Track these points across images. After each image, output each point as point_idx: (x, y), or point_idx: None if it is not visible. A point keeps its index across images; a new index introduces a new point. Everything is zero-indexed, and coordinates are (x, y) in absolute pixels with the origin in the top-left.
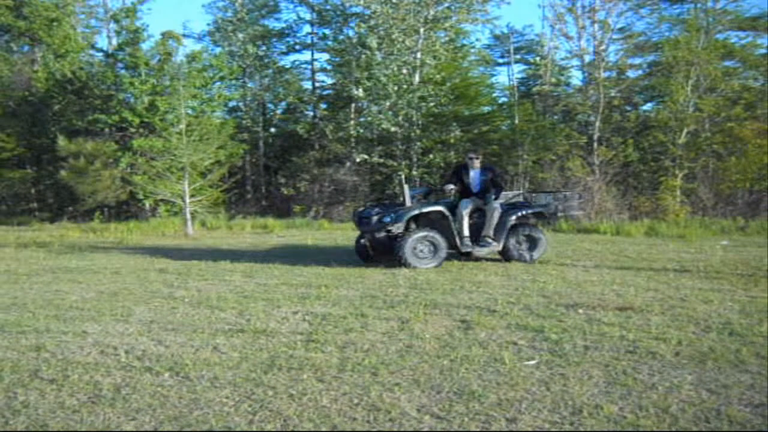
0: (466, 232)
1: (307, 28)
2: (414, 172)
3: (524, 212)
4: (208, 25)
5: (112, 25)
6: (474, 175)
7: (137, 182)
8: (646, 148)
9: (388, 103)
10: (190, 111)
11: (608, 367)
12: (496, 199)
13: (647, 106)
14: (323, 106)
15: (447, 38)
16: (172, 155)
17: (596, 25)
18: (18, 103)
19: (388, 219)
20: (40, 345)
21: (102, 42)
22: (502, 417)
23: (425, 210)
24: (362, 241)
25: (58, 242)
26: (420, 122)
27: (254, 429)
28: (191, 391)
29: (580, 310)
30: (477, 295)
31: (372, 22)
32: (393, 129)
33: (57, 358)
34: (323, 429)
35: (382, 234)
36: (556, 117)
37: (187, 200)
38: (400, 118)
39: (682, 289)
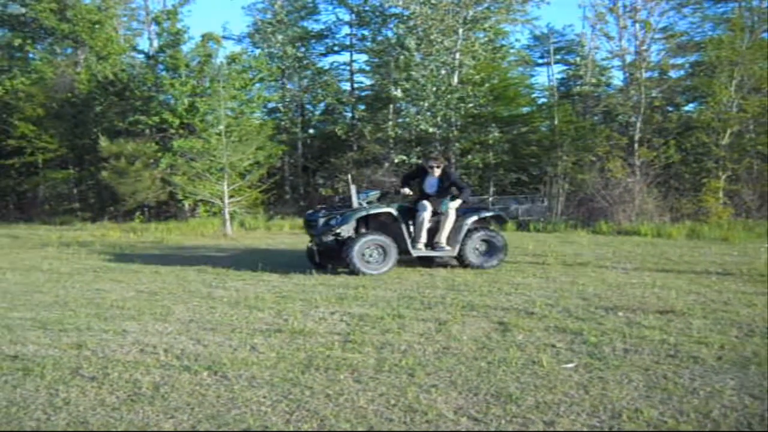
0: (423, 236)
1: (345, 30)
2: None
3: (481, 216)
4: (248, 27)
5: (153, 28)
6: (432, 181)
7: (177, 183)
8: (688, 150)
9: (426, 104)
10: (229, 112)
11: (648, 371)
12: (464, 200)
13: (689, 107)
14: (361, 107)
15: (486, 39)
16: (211, 156)
17: (638, 25)
18: (61, 105)
19: (334, 222)
20: (81, 343)
21: (143, 44)
22: (539, 420)
23: (373, 212)
24: (309, 244)
25: (99, 242)
26: (458, 123)
27: (291, 428)
28: (229, 390)
29: (620, 313)
30: (515, 297)
31: (411, 23)
32: (431, 130)
33: (98, 356)
34: (360, 429)
35: (330, 238)
36: (596, 118)
37: (226, 201)
38: (438, 119)
39: (725, 293)
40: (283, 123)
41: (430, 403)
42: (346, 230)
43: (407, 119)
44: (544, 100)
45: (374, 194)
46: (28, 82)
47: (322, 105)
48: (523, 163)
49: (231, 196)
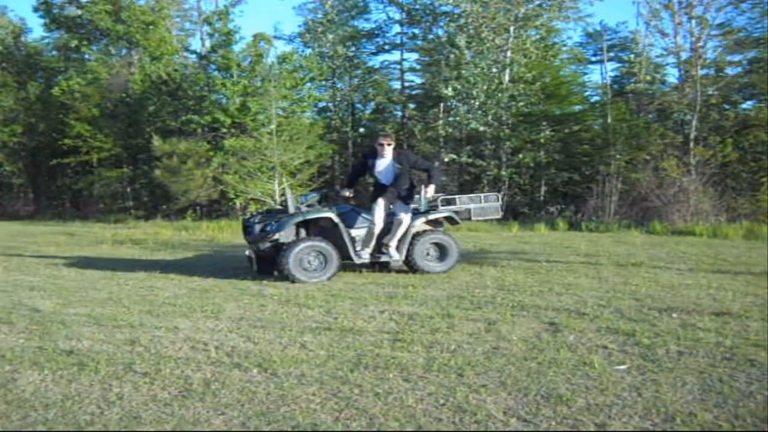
0: (372, 243)
1: (396, 28)
2: (503, 172)
3: (430, 217)
4: (299, 26)
5: (206, 28)
6: (384, 164)
7: (228, 181)
8: (746, 148)
9: (477, 103)
10: (280, 111)
11: (703, 373)
12: (436, 183)
13: (747, 105)
14: (412, 105)
15: (538, 36)
16: (262, 155)
17: (693, 21)
18: (115, 105)
19: (270, 228)
20: (134, 339)
21: (196, 44)
22: (590, 422)
23: (311, 217)
24: (247, 252)
25: (152, 239)
26: (509, 122)
27: (340, 426)
28: (279, 388)
29: (674, 315)
30: (566, 298)
31: (461, 21)
32: (482, 128)
33: (150, 352)
34: (408, 429)
35: (267, 245)
36: (650, 116)
37: (277, 199)
38: (489, 117)
39: None
40: (333, 122)
41: (479, 403)
42: (285, 236)
43: (458, 118)
44: (597, 98)
45: (314, 197)
46: (83, 82)
47: (372, 104)
48: (575, 162)
49: (282, 195)
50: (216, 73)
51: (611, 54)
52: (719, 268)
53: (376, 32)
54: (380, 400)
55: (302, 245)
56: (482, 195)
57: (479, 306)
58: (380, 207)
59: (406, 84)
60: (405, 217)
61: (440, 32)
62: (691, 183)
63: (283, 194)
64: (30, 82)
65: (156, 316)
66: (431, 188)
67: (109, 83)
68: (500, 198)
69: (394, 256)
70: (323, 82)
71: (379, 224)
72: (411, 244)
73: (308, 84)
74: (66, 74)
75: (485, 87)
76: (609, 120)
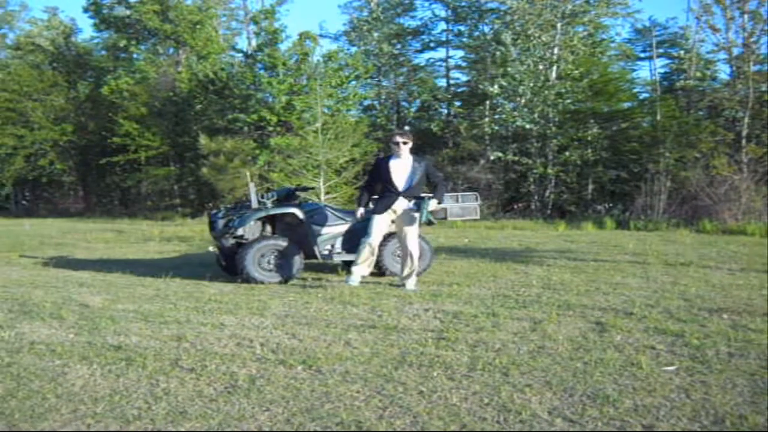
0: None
1: (442, 26)
2: (549, 170)
3: None
4: (344, 25)
5: (252, 27)
6: (401, 166)
7: (274, 179)
8: None
9: (523, 100)
10: (326, 110)
11: (754, 376)
12: (439, 199)
13: None
14: (457, 103)
15: (585, 33)
16: (308, 153)
17: (746, 16)
18: (163, 104)
19: (232, 224)
20: (180, 335)
21: (242, 43)
22: (638, 423)
23: (273, 213)
24: (211, 248)
25: (199, 237)
26: (556, 119)
27: (384, 424)
28: (323, 385)
29: (725, 315)
30: (613, 297)
31: (508, 18)
32: (528, 126)
33: (196, 348)
34: (453, 428)
35: (231, 241)
36: (700, 113)
37: (322, 197)
38: (535, 115)
39: None
40: (378, 120)
41: (524, 402)
42: (250, 232)
43: (503, 115)
44: (646, 95)
45: (283, 193)
46: (132, 81)
47: (417, 102)
48: (623, 159)
49: (327, 193)
50: (262, 71)
51: (660, 50)
52: None
53: (421, 30)
54: (424, 398)
55: (262, 244)
56: (459, 194)
57: (524, 305)
58: (379, 223)
59: (452, 81)
60: (416, 245)
61: (486, 29)
62: (742, 181)
63: (328, 192)
64: (80, 81)
65: (202, 312)
66: (434, 202)
67: (157, 82)
68: (478, 198)
69: (416, 289)
70: (368, 80)
71: (375, 241)
72: (381, 245)
73: (353, 82)
74: (115, 73)
75: (531, 84)
76: (658, 117)
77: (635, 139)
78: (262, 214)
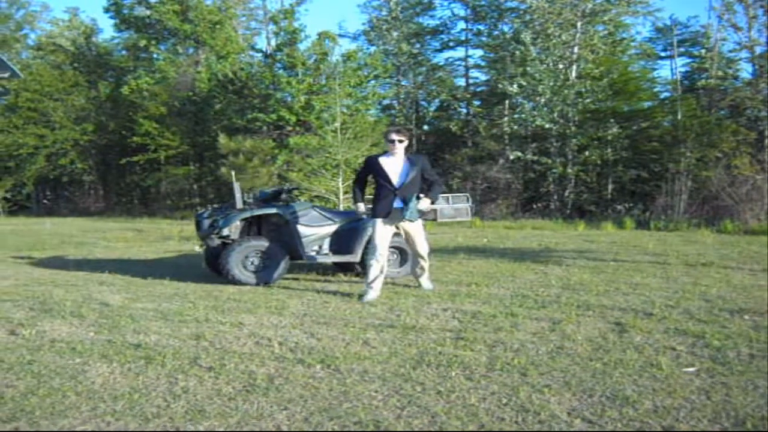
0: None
1: (461, 25)
2: (569, 170)
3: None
4: (363, 24)
5: (271, 27)
6: (396, 163)
7: (293, 179)
8: None
9: (543, 100)
10: (344, 109)
11: None
12: (433, 199)
13: None
14: (476, 103)
15: (606, 32)
16: (327, 153)
17: None
18: (182, 103)
19: (217, 224)
20: (199, 334)
21: (261, 43)
22: (657, 424)
23: (258, 213)
24: (196, 248)
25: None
26: (576, 119)
27: (402, 424)
28: (341, 384)
29: (746, 317)
30: (633, 297)
31: (527, 17)
32: (548, 126)
33: (215, 347)
34: (471, 428)
35: (217, 241)
36: (722, 112)
37: (341, 197)
38: (555, 114)
39: None
40: (397, 120)
41: (542, 403)
42: (234, 233)
43: (523, 115)
44: (666, 94)
45: (270, 193)
46: (152, 81)
47: (436, 101)
48: (644, 159)
49: (346, 192)
50: (281, 71)
51: (681, 49)
52: None
53: (440, 29)
54: (442, 398)
55: (245, 244)
56: (449, 195)
57: (543, 305)
58: (383, 237)
59: (471, 81)
60: (424, 246)
61: (506, 28)
62: (764, 181)
63: (347, 192)
64: (100, 81)
65: (221, 311)
66: (427, 201)
67: (177, 82)
68: (470, 199)
69: (433, 287)
70: (387, 80)
71: (383, 257)
72: (366, 246)
73: (372, 82)
74: (135, 73)
75: (551, 83)
76: (679, 117)
77: (656, 138)
78: (247, 214)
